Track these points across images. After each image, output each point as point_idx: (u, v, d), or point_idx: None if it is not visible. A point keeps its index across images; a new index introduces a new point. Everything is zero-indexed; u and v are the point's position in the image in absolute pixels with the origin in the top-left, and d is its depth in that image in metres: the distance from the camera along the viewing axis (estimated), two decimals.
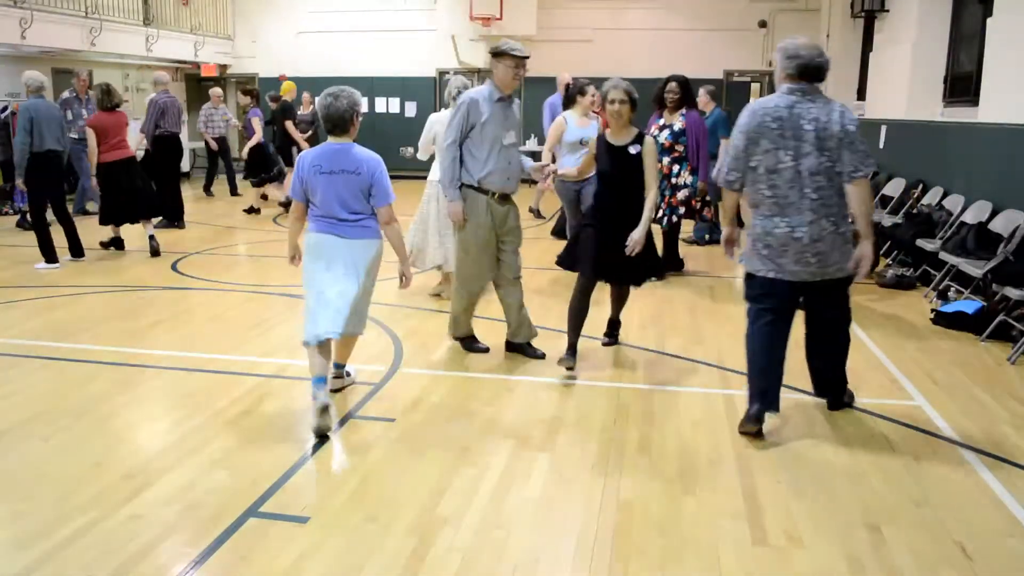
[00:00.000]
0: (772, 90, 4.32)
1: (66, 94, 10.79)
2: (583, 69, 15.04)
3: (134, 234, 8.71)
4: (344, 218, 3.97)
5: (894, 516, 3.19)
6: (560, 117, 7.16)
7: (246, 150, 11.45)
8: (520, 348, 5.10)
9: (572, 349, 4.79)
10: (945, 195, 7.72)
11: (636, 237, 4.61)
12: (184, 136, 11.76)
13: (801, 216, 3.73)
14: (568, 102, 7.44)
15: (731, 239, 4.16)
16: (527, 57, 4.72)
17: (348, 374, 4.54)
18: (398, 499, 3.27)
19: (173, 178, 10.20)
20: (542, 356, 5.03)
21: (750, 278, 3.99)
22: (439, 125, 5.99)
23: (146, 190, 8.57)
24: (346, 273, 3.98)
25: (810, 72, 3.78)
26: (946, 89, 9.54)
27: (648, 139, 4.74)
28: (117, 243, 8.52)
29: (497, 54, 4.73)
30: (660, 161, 6.47)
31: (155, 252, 8.26)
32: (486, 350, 5.14)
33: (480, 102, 4.67)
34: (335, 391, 4.34)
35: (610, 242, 4.65)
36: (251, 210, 11.37)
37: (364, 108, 4.42)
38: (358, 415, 4.15)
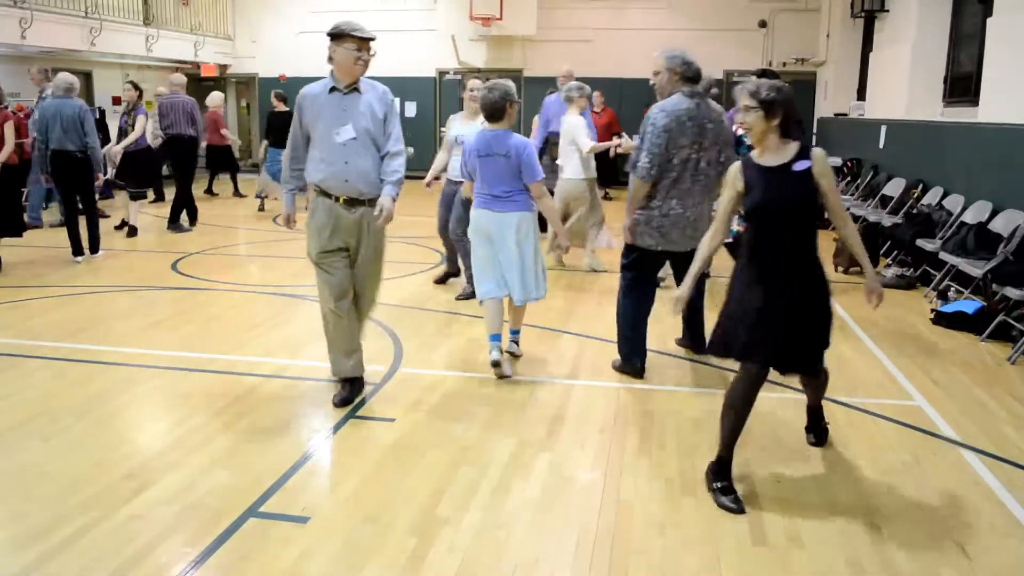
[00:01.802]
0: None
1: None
2: (583, 69, 15.05)
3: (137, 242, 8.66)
4: (496, 194, 4.59)
5: (894, 516, 3.19)
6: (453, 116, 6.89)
7: (120, 147, 9.40)
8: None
9: (724, 465, 3.36)
10: (945, 195, 7.72)
11: (878, 290, 3.37)
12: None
13: (692, 199, 4.52)
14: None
15: (634, 226, 4.60)
16: (372, 39, 4.11)
17: (515, 345, 5.07)
18: (398, 499, 3.27)
19: (180, 179, 10.07)
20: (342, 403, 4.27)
21: (632, 250, 4.68)
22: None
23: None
24: (502, 245, 4.62)
25: (698, 77, 4.53)
26: (946, 89, 9.56)
27: (818, 151, 3.28)
28: None
29: (336, 36, 4.06)
30: None
31: None
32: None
33: (312, 97, 4.13)
34: (511, 353, 5.02)
35: (782, 307, 3.23)
36: (125, 225, 9.69)
37: (518, 98, 4.71)
38: (358, 415, 4.15)
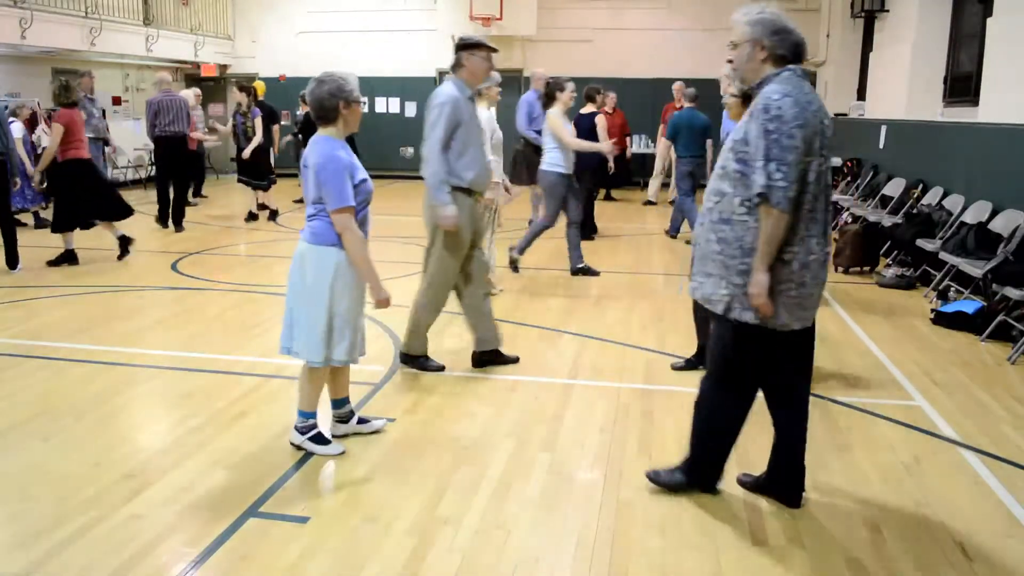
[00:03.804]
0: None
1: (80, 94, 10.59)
2: (583, 69, 15.05)
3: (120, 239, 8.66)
4: (306, 215, 3.62)
5: (894, 516, 3.19)
6: (554, 115, 7.15)
7: (248, 151, 10.46)
8: (497, 356, 4.89)
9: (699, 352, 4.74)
10: (945, 195, 7.72)
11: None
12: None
13: (827, 234, 3.01)
14: (549, 99, 7.40)
15: (769, 296, 2.93)
16: (497, 50, 4.59)
17: (353, 417, 3.88)
18: (398, 499, 3.27)
19: (173, 179, 10.00)
20: (516, 359, 4.93)
21: (743, 335, 3.05)
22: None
23: (105, 191, 7.94)
24: (295, 282, 3.64)
25: (802, 52, 2.97)
26: (946, 89, 9.56)
27: None
28: (70, 257, 7.75)
29: (471, 46, 4.49)
30: None
31: (125, 252, 7.99)
32: (442, 368, 4.81)
33: (460, 102, 4.46)
34: (339, 436, 3.83)
35: None
36: (253, 216, 10.85)
37: (363, 99, 3.61)
38: (358, 415, 4.15)
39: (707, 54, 15.22)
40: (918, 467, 3.64)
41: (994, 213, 6.51)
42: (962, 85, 9.14)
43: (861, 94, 12.85)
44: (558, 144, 7.08)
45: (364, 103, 3.67)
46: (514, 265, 7.29)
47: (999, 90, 7.25)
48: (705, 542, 2.99)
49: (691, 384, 4.68)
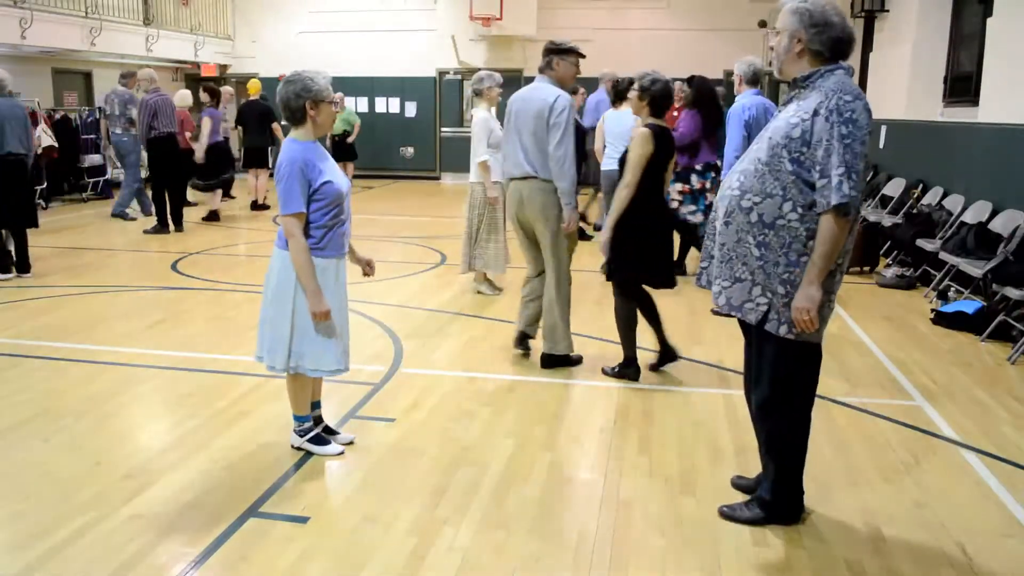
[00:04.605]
0: (776, 89, 4.27)
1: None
2: (583, 69, 15.05)
3: (131, 238, 8.65)
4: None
5: (894, 516, 3.19)
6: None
7: (200, 153, 10.52)
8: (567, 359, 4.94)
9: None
10: (945, 195, 7.73)
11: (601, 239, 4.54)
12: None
13: None
14: (619, 98, 7.42)
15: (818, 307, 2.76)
16: (584, 56, 4.68)
17: (321, 424, 3.76)
18: (398, 499, 3.27)
19: (172, 180, 9.86)
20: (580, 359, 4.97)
21: (808, 350, 2.91)
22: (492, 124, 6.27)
23: (30, 198, 7.45)
24: (265, 285, 3.58)
25: (845, 49, 2.76)
26: (946, 89, 9.54)
27: (638, 131, 4.47)
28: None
29: (564, 51, 4.59)
30: None
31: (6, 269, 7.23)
32: (581, 359, 4.98)
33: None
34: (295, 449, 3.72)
35: None
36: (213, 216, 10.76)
37: (335, 98, 3.50)
38: (358, 415, 4.15)
39: (707, 54, 15.22)
40: (918, 467, 3.64)
41: (994, 213, 6.52)
42: (962, 85, 9.13)
43: None
44: None
45: (338, 100, 3.45)
46: None
47: (999, 90, 7.25)
48: (705, 542, 2.99)
49: (691, 383, 4.69)
